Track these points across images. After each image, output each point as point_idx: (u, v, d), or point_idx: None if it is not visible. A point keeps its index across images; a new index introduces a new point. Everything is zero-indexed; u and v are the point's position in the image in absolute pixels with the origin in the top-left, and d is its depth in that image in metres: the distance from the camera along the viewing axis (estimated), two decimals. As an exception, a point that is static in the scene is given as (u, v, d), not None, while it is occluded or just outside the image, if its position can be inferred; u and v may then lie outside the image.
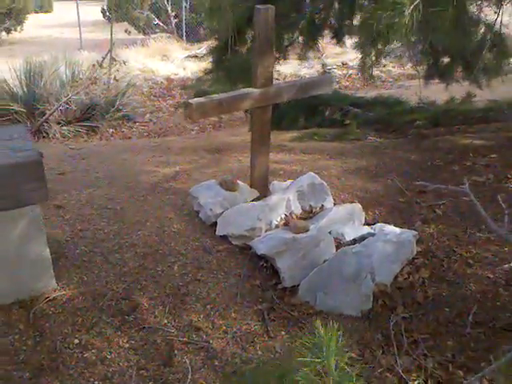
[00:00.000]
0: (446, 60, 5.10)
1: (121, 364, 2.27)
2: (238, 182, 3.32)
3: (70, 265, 2.80)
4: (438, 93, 5.64)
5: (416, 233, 2.97)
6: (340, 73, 12.64)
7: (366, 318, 2.56)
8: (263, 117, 3.18)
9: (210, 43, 5.58)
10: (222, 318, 2.54)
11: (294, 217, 3.17)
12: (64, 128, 8.22)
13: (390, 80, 12.32)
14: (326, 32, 5.35)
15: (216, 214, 3.14)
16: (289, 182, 3.47)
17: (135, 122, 9.22)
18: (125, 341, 2.38)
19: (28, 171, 2.36)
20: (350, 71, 12.45)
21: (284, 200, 3.16)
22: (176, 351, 2.33)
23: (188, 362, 2.28)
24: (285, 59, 4.86)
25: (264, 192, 3.35)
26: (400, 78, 12.43)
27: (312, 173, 3.47)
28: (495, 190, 3.50)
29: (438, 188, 3.19)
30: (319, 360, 1.21)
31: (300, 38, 4.60)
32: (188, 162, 4.15)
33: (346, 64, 13.10)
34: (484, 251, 2.98)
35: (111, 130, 8.53)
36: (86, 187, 3.57)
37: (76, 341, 2.35)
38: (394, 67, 12.84)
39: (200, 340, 2.40)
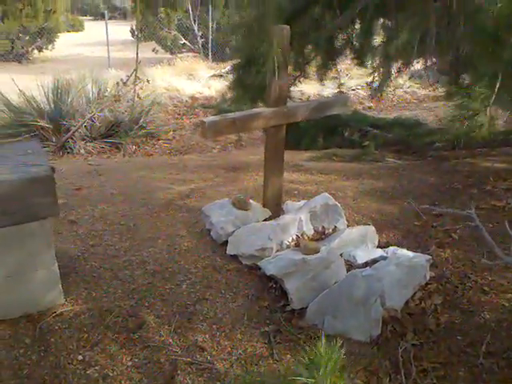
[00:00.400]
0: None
1: (123, 382, 2.24)
2: (251, 201, 3.31)
3: (80, 280, 2.81)
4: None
5: (429, 257, 2.90)
6: (364, 94, 12.61)
7: (374, 344, 2.50)
8: (277, 136, 3.17)
9: (234, 62, 5.63)
10: (228, 338, 2.51)
11: (306, 238, 3.14)
12: (88, 144, 8.36)
13: (415, 101, 12.25)
14: (348, 52, 5.37)
15: (227, 232, 3.13)
16: (302, 202, 3.44)
17: (158, 140, 9.32)
18: (128, 359, 2.36)
19: (39, 186, 2.38)
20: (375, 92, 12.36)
21: (296, 220, 3.13)
22: (179, 371, 2.31)
23: (190, 382, 2.25)
24: (305, 78, 4.85)
25: (277, 212, 3.32)
26: (425, 99, 12.35)
27: (326, 193, 3.44)
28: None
29: (446, 212, 3.12)
30: (313, 380, 1.18)
31: (319, 58, 4.60)
32: (203, 180, 4.16)
33: (370, 85, 13.03)
34: (500, 278, 2.89)
35: (134, 147, 8.63)
36: (101, 203, 3.60)
37: (80, 357, 2.35)
38: (419, 88, 12.77)
39: (204, 361, 2.37)
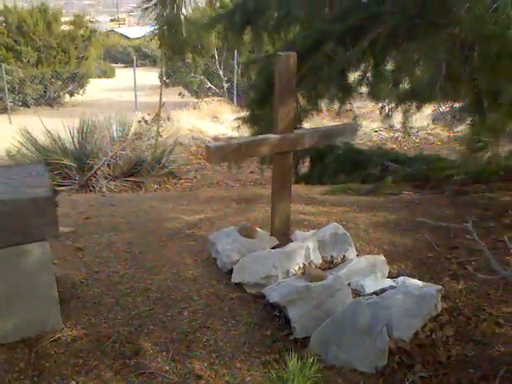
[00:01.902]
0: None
1: (114, 409, 2.17)
2: (258, 229, 3.26)
3: (81, 306, 2.77)
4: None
5: (440, 287, 2.78)
6: (387, 135, 12.59)
7: (380, 375, 2.37)
8: (284, 163, 3.14)
9: (248, 97, 5.69)
10: (227, 367, 2.42)
11: (314, 266, 3.05)
12: (111, 183, 8.48)
13: (439, 143, 12.15)
14: (363, 89, 5.37)
15: (233, 260, 3.07)
16: (311, 231, 3.37)
17: (180, 179, 9.40)
18: (122, 385, 2.29)
19: (39, 207, 2.39)
20: (397, 134, 12.36)
21: (303, 248, 3.06)
22: (173, 399, 2.22)
23: (183, 411, 2.16)
24: (318, 111, 4.85)
25: (285, 241, 3.26)
26: (449, 143, 12.21)
27: (336, 223, 3.37)
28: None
29: (443, 226, 3.01)
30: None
31: (332, 92, 4.61)
32: (213, 210, 4.14)
33: (393, 126, 13.02)
34: (517, 310, 2.75)
35: (156, 186, 8.69)
36: (109, 231, 3.59)
37: (73, 382, 2.28)
38: (442, 130, 12.67)
39: (200, 389, 2.28)
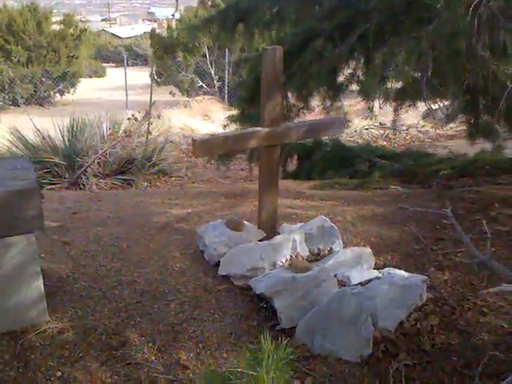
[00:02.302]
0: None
1: (100, 399, 2.18)
2: (245, 222, 3.27)
3: (67, 299, 2.77)
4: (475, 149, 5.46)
5: (426, 278, 2.80)
6: (377, 133, 12.64)
7: (364, 364, 2.39)
8: (271, 157, 3.15)
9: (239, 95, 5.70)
10: (213, 357, 2.43)
11: (300, 258, 3.07)
12: (101, 181, 8.45)
13: (428, 140, 12.21)
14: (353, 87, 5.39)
15: (220, 253, 3.08)
16: (299, 224, 3.39)
17: (170, 177, 9.38)
18: (108, 375, 2.29)
19: (24, 199, 2.38)
20: (387, 131, 12.42)
21: (289, 241, 3.07)
22: (159, 389, 2.23)
23: (169, 400, 2.17)
24: (308, 110, 4.86)
25: (272, 234, 3.27)
26: (438, 138, 12.30)
27: (323, 216, 3.38)
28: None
29: (423, 211, 3.03)
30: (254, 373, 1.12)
31: (322, 89, 4.62)
32: (202, 205, 4.14)
33: (383, 124, 13.10)
34: (501, 300, 2.77)
35: (146, 184, 8.67)
36: (96, 225, 3.59)
37: (59, 373, 2.29)
38: (432, 128, 12.74)
39: (185, 378, 2.29)
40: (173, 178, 9.27)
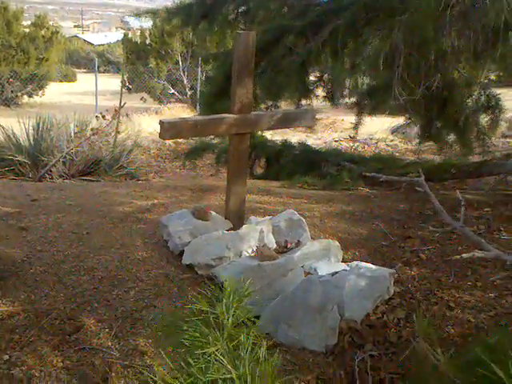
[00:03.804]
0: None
1: (49, 383, 2.04)
2: (212, 212, 3.18)
3: (21, 284, 2.63)
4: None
5: (393, 271, 2.75)
6: (347, 145, 12.71)
7: (330, 354, 2.32)
8: (240, 145, 3.08)
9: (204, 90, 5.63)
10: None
11: (267, 249, 2.99)
12: (66, 181, 8.24)
13: (397, 154, 12.32)
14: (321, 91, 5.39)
15: (184, 242, 2.98)
16: (267, 217, 3.32)
17: (138, 180, 9.22)
18: (60, 360, 2.16)
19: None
20: (357, 144, 12.52)
21: (257, 231, 2.99)
22: (113, 374, 2.11)
23: (124, 386, 2.05)
24: (276, 107, 4.81)
25: (239, 225, 3.18)
26: (407, 153, 12.43)
27: (291, 209, 3.32)
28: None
29: (393, 180, 2.98)
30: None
31: (292, 87, 4.57)
32: (168, 197, 4.03)
33: (353, 137, 13.21)
34: (467, 295, 2.75)
35: (112, 186, 8.50)
36: (56, 213, 3.45)
37: (6, 357, 2.15)
38: (401, 142, 12.90)
39: (143, 364, 2.18)
40: (140, 182, 9.11)
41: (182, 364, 1.07)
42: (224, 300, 1.04)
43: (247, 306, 1.09)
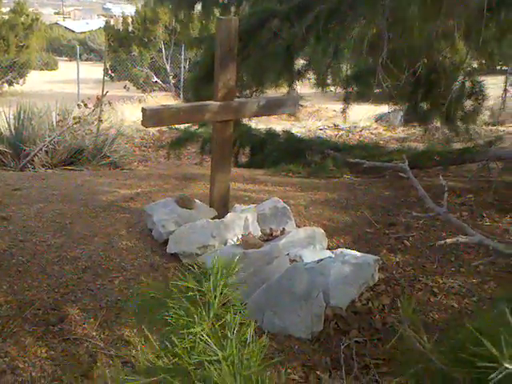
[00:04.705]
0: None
1: (33, 374, 2.03)
2: (196, 200, 3.16)
3: (3, 274, 2.60)
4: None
5: (378, 258, 2.76)
6: (331, 133, 12.72)
7: (315, 341, 2.33)
8: (224, 133, 3.06)
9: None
10: (158, 333, 2.30)
11: (252, 237, 2.98)
12: (49, 171, 8.14)
13: (381, 142, 12.37)
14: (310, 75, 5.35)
15: (169, 231, 2.96)
16: (252, 205, 3.30)
17: (121, 169, 9.14)
18: (44, 351, 2.15)
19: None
20: (341, 132, 12.55)
21: (242, 219, 2.98)
22: (98, 363, 2.09)
23: (109, 374, 2.04)
24: (262, 93, 4.77)
25: (223, 213, 3.17)
26: (391, 140, 12.48)
27: (276, 197, 3.32)
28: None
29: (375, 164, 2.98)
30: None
31: (277, 70, 4.53)
32: (151, 185, 4.00)
33: (337, 126, 13.23)
34: (451, 281, 2.78)
35: (95, 175, 8.41)
36: (38, 202, 3.41)
37: (-13, 347, 2.12)
38: (385, 130, 12.95)
39: (128, 354, 2.16)
40: (124, 171, 9.04)
41: (167, 343, 1.05)
42: (211, 278, 1.03)
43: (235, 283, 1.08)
